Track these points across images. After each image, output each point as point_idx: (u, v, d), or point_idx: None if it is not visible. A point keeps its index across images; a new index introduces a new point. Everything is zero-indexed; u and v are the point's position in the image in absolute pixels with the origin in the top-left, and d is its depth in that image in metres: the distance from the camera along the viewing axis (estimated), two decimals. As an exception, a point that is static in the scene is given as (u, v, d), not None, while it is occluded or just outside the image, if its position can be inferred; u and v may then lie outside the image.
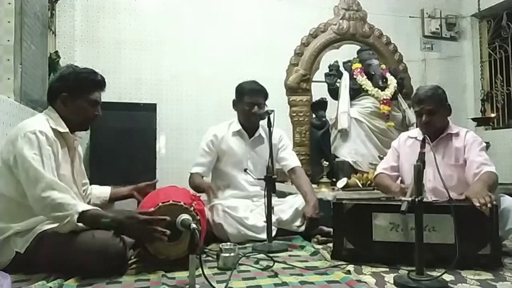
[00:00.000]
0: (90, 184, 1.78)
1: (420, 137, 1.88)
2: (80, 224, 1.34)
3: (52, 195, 1.32)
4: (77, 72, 1.55)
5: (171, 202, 1.42)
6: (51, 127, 1.45)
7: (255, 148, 2.20)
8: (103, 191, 1.77)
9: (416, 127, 2.07)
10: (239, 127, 2.18)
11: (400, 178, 2.01)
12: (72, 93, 1.51)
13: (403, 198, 1.34)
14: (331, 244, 1.75)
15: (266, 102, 2.20)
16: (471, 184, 1.72)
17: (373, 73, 3.00)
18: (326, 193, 2.44)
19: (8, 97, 2.15)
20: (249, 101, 2.10)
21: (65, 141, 1.52)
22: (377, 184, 2.10)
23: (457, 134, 1.87)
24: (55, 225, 1.40)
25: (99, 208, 1.50)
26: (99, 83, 1.57)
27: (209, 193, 1.98)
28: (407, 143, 1.98)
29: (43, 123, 1.45)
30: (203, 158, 2.14)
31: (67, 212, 1.32)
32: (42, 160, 1.36)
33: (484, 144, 1.86)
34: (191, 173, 2.13)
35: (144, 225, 1.34)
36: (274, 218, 1.91)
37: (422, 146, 1.36)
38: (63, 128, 1.50)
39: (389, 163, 2.03)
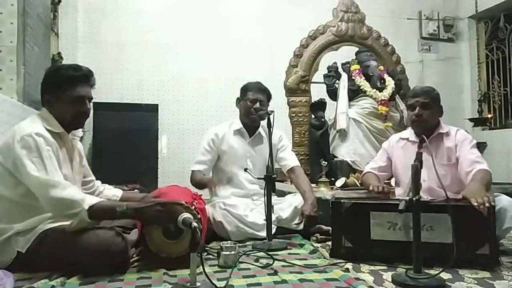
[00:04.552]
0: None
1: (413, 138, 1.92)
2: (91, 221, 1.33)
3: (56, 194, 1.31)
4: (56, 70, 1.49)
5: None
6: (45, 128, 1.42)
7: (255, 147, 2.23)
8: (114, 194, 1.75)
9: None
10: (240, 125, 2.22)
11: (385, 178, 2.06)
12: (55, 92, 1.46)
13: (401, 198, 1.36)
14: (330, 243, 1.77)
15: (266, 103, 2.24)
16: (464, 182, 1.74)
17: (371, 74, 3.03)
18: (325, 192, 2.46)
19: (11, 98, 2.17)
20: (252, 97, 2.16)
21: (63, 141, 1.49)
22: (362, 182, 2.15)
23: (447, 134, 1.89)
24: (56, 224, 1.40)
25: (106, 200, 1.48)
26: (80, 78, 1.47)
27: (211, 186, 2.02)
28: (399, 145, 2.00)
29: (38, 125, 1.41)
30: (204, 157, 2.18)
31: (75, 210, 1.31)
32: (43, 161, 1.34)
33: (475, 141, 1.88)
34: (192, 171, 2.17)
35: (161, 207, 1.34)
36: (273, 217, 1.93)
37: (420, 146, 1.38)
38: (58, 129, 1.46)
39: (377, 163, 2.07)
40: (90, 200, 1.34)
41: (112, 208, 1.36)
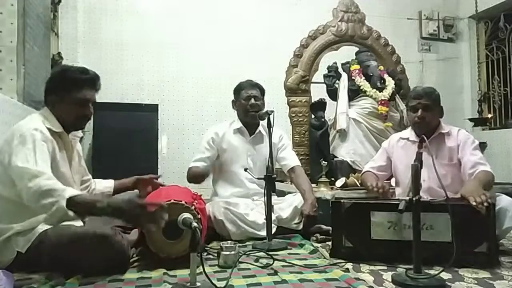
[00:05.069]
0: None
1: (413, 138, 1.92)
2: (71, 213, 1.27)
3: (38, 183, 1.27)
4: (64, 71, 1.51)
5: (172, 201, 1.44)
6: (46, 126, 1.42)
7: (255, 145, 2.24)
8: (107, 186, 1.76)
9: None
10: (240, 125, 2.24)
11: (384, 178, 2.05)
12: (60, 93, 1.48)
13: (401, 198, 1.36)
14: (330, 243, 1.78)
15: (266, 103, 2.25)
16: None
17: (371, 74, 3.03)
18: (325, 192, 2.46)
19: (11, 98, 2.17)
20: (246, 95, 2.19)
21: (62, 141, 1.50)
22: (362, 181, 2.16)
23: (448, 134, 1.89)
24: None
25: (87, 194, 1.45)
26: (87, 81, 1.50)
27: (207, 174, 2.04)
28: (399, 144, 2.01)
29: (38, 122, 1.43)
30: (203, 154, 2.18)
31: (53, 198, 1.24)
32: (35, 153, 1.32)
33: (477, 142, 1.88)
34: (189, 168, 2.13)
35: (143, 209, 1.27)
36: (273, 216, 1.93)
37: (420, 146, 1.38)
38: (58, 128, 1.47)
39: (377, 162, 2.08)
40: (71, 192, 1.30)
41: (92, 203, 1.30)
